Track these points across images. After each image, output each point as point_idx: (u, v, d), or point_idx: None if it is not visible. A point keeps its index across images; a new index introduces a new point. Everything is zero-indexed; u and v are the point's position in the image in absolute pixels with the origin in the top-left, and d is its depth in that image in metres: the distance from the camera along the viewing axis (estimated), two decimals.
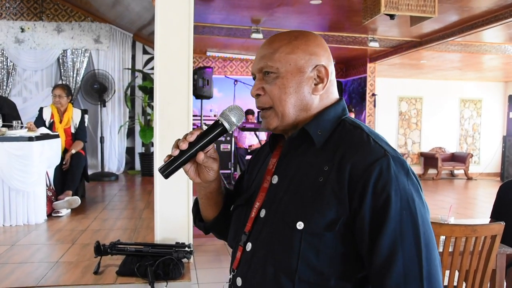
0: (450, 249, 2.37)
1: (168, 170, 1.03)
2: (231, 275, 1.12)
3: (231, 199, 1.25)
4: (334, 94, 1.11)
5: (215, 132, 1.06)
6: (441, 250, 2.38)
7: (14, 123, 5.12)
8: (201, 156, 1.04)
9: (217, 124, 1.06)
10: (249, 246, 1.06)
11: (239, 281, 1.07)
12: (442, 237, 2.38)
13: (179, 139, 1.05)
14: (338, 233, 0.93)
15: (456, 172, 11.17)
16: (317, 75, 1.06)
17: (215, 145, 1.10)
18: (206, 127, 1.07)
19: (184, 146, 1.02)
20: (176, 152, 1.03)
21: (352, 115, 8.29)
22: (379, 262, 0.89)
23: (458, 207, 7.27)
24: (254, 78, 1.12)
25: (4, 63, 8.26)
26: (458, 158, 11.03)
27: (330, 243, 0.94)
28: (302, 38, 1.07)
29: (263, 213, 1.06)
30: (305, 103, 1.06)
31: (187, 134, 1.05)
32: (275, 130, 1.09)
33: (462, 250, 2.38)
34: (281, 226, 0.99)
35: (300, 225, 0.95)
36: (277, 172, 1.09)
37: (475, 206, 7.63)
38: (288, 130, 1.10)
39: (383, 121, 10.29)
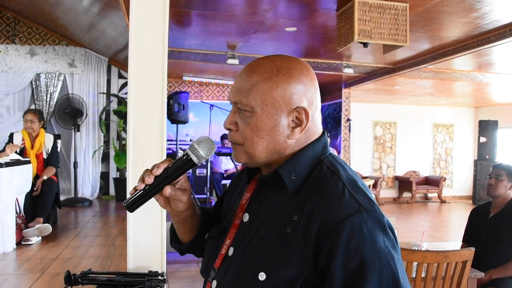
0: (423, 275, 2.39)
1: (132, 204, 1.00)
2: None
3: (209, 221, 1.20)
4: (316, 132, 1.03)
5: (183, 166, 1.02)
6: (414, 276, 2.40)
7: None
8: (167, 190, 0.99)
9: (185, 157, 1.02)
10: (214, 284, 1.02)
11: None
12: (415, 263, 2.39)
13: (147, 170, 1.01)
14: None
15: (430, 195, 11.32)
16: (296, 117, 0.98)
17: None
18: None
19: (149, 181, 0.98)
20: (142, 186, 0.99)
21: (328, 140, 8.35)
22: None
23: (432, 230, 7.35)
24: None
25: None
26: (432, 182, 11.20)
27: None
28: (285, 73, 0.97)
29: (231, 251, 1.02)
30: (278, 147, 0.98)
31: (154, 166, 1.00)
32: (246, 165, 1.05)
33: (434, 276, 2.40)
34: (244, 272, 0.95)
35: (262, 276, 0.90)
36: (248, 210, 1.04)
37: (448, 229, 7.72)
38: (261, 167, 1.05)
39: (359, 145, 10.43)
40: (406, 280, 0.87)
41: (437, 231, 7.35)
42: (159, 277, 3.11)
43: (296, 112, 0.98)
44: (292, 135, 0.98)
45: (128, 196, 1.02)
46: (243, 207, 1.06)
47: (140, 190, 0.99)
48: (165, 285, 3.21)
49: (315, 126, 1.03)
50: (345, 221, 0.85)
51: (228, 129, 1.03)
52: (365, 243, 0.84)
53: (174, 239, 1.25)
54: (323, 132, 1.05)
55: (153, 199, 1.05)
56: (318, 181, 0.95)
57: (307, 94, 1.00)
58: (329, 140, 1.06)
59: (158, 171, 0.99)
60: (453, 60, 6.28)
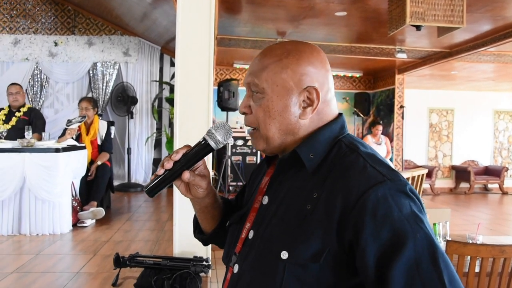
0: (477, 270, 2.25)
1: (152, 189, 1.01)
2: None
3: (231, 210, 1.22)
4: (331, 113, 1.04)
5: (201, 151, 1.03)
6: (466, 270, 2.27)
7: (43, 134, 5.26)
8: (186, 175, 1.01)
9: (203, 142, 1.03)
10: (236, 268, 1.02)
11: None
12: (468, 257, 2.26)
13: (167, 156, 1.03)
14: (325, 265, 0.86)
15: (490, 186, 10.78)
16: (307, 97, 0.99)
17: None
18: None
19: (168, 165, 1.00)
20: (162, 171, 1.01)
21: (380, 128, 8.13)
22: None
23: (491, 223, 6.99)
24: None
25: (38, 76, 8.53)
26: (492, 172, 10.65)
27: (314, 274, 0.87)
28: (295, 55, 1.00)
29: (251, 234, 1.02)
30: (291, 127, 1.00)
31: (173, 152, 1.03)
32: (264, 151, 1.05)
33: (489, 271, 2.26)
34: (266, 253, 0.94)
35: (284, 255, 0.90)
36: (267, 193, 1.05)
37: (510, 223, 7.31)
38: (278, 154, 1.06)
39: (413, 133, 10.06)
40: (438, 242, 0.84)
41: (497, 224, 6.99)
42: (204, 263, 3.15)
43: (306, 91, 0.99)
44: (304, 115, 1.00)
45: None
46: (262, 190, 1.07)
47: (160, 176, 1.01)
48: (210, 270, 3.25)
49: (329, 108, 1.04)
50: (368, 191, 0.84)
51: (243, 113, 1.05)
52: (392, 211, 0.83)
53: (197, 230, 1.27)
54: (340, 114, 1.06)
55: None
56: (337, 159, 0.95)
57: (318, 76, 1.01)
58: (346, 122, 1.05)
59: (177, 157, 1.01)
60: None
